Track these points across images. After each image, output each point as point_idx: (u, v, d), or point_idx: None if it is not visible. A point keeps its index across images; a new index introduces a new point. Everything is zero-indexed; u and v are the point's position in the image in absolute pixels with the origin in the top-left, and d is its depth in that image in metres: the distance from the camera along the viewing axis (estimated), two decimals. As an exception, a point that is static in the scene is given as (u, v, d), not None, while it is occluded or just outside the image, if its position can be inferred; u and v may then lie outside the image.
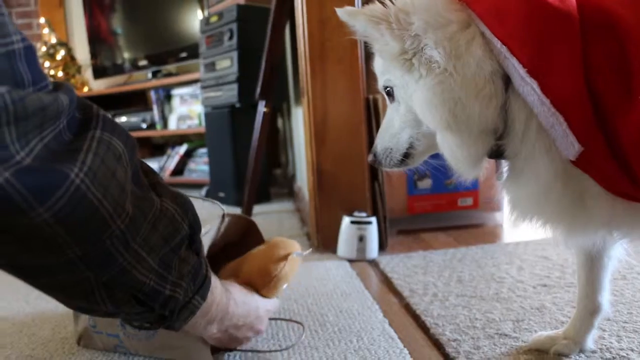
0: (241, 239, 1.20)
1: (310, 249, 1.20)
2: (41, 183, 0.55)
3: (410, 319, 1.16)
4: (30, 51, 0.57)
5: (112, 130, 0.65)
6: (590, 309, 0.94)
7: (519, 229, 1.75)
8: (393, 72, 0.79)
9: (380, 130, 0.88)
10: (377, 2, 0.76)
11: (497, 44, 0.68)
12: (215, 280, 0.86)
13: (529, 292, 1.24)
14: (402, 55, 0.75)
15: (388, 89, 0.83)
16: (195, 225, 0.78)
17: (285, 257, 1.05)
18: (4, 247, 0.60)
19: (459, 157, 0.75)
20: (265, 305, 1.01)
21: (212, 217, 1.12)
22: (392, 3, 0.75)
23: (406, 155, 0.85)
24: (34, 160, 0.55)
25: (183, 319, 0.80)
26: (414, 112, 0.78)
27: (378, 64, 0.84)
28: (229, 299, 0.90)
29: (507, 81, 0.70)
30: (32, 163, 0.55)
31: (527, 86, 0.66)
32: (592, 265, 0.93)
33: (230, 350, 1.03)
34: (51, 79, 0.60)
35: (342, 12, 0.78)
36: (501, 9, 0.69)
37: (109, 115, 0.67)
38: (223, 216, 1.11)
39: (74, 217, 0.58)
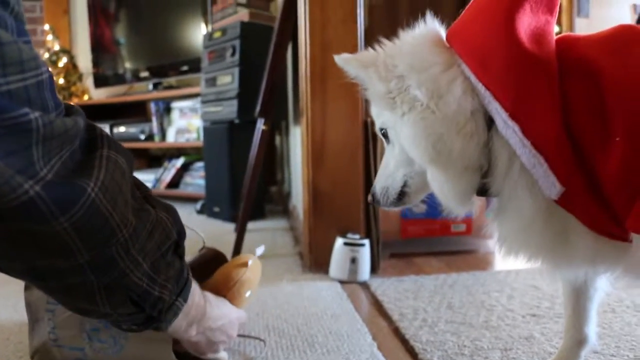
0: (210, 266, 1.21)
1: (263, 247, 1.23)
2: (64, 195, 0.63)
3: (399, 343, 1.17)
4: (51, 80, 0.64)
5: (116, 149, 0.73)
6: (576, 340, 0.95)
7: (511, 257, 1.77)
8: (384, 114, 0.83)
9: (379, 171, 0.91)
10: (370, 48, 0.82)
11: (482, 89, 0.73)
12: (194, 283, 0.92)
13: (518, 321, 1.25)
14: (387, 95, 0.79)
15: (383, 131, 0.87)
16: (181, 231, 0.87)
17: (245, 263, 1.11)
18: (26, 251, 0.67)
19: (447, 193, 0.78)
20: (236, 312, 1.06)
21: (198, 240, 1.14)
22: (383, 49, 0.81)
23: (402, 194, 0.88)
24: (55, 176, 0.63)
25: (169, 319, 0.85)
26: (405, 151, 0.82)
27: (373, 109, 0.88)
28: (206, 301, 0.96)
29: (490, 121, 0.74)
30: (53, 178, 0.63)
31: (509, 129, 0.70)
32: (579, 296, 0.94)
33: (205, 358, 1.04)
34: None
35: (338, 59, 0.85)
36: (484, 54, 0.73)
37: (109, 134, 0.75)
38: (202, 248, 1.14)
39: (89, 226, 0.67)
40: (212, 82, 2.92)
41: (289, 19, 1.98)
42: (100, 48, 4.59)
